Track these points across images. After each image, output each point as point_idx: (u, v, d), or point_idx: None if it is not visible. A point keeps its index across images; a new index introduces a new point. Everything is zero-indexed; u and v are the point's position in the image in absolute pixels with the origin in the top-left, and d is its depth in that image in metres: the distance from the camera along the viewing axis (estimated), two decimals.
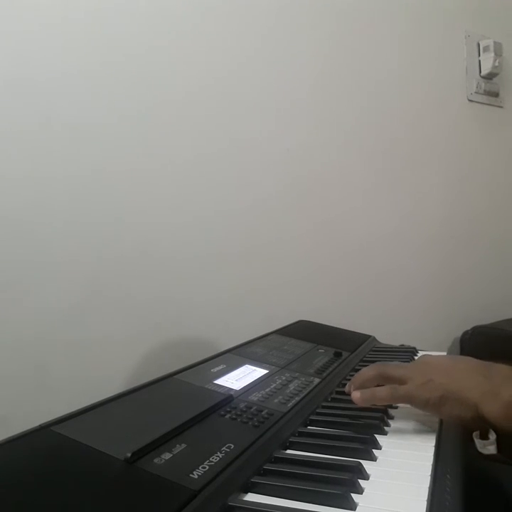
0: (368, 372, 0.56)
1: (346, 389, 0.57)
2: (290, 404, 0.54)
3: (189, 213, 0.96)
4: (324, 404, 0.58)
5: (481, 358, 0.53)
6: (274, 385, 0.60)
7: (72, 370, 0.80)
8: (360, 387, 0.55)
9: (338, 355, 0.76)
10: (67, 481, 0.36)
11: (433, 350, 0.85)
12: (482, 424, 0.46)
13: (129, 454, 0.39)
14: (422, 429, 0.51)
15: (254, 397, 0.55)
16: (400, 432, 0.51)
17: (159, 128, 0.93)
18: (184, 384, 0.57)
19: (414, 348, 0.84)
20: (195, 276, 0.96)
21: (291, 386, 0.60)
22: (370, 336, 0.91)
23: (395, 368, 0.54)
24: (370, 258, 1.26)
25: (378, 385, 0.54)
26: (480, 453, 0.47)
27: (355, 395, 0.52)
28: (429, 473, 0.42)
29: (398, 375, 0.53)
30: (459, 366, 0.51)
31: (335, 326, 0.93)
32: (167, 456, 0.40)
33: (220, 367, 0.64)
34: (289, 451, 0.46)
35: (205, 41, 0.98)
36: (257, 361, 0.68)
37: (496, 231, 1.56)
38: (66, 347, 0.80)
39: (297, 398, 0.56)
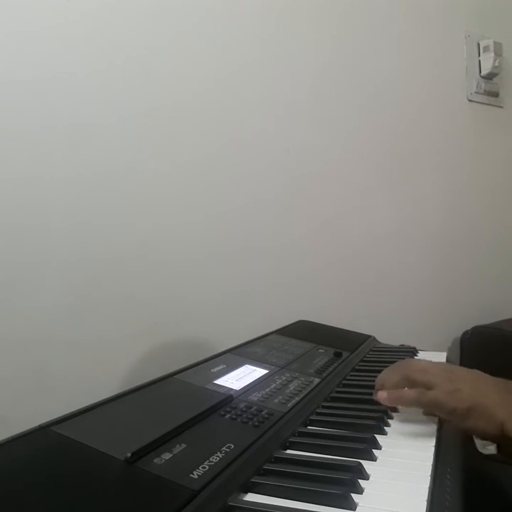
0: (392, 376, 0.55)
1: (374, 395, 0.55)
2: (290, 404, 0.54)
3: (189, 213, 0.96)
4: (324, 404, 0.58)
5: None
6: (274, 385, 0.60)
7: (71, 370, 0.80)
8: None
9: (338, 355, 0.76)
10: (67, 481, 0.36)
11: (433, 350, 0.85)
12: (505, 442, 0.46)
13: (129, 454, 0.39)
14: (422, 429, 0.51)
15: (254, 397, 0.55)
16: (399, 431, 0.51)
17: (159, 128, 0.93)
18: (184, 384, 0.57)
19: (414, 348, 0.84)
20: (194, 276, 0.96)
21: (291, 386, 0.60)
22: (370, 336, 0.91)
23: (420, 372, 0.53)
24: (370, 258, 1.26)
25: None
26: (480, 453, 0.47)
27: (382, 395, 0.52)
28: (429, 473, 0.42)
29: (425, 380, 0.51)
30: (486, 380, 0.51)
31: (335, 326, 0.93)
32: (167, 456, 0.40)
33: (220, 367, 0.64)
34: (289, 451, 0.46)
35: (205, 41, 0.98)
36: (257, 361, 0.68)
37: (495, 231, 1.56)
38: (66, 347, 0.80)
39: (297, 398, 0.56)
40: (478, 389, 0.49)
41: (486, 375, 0.53)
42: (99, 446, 0.41)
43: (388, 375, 0.56)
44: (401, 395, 0.52)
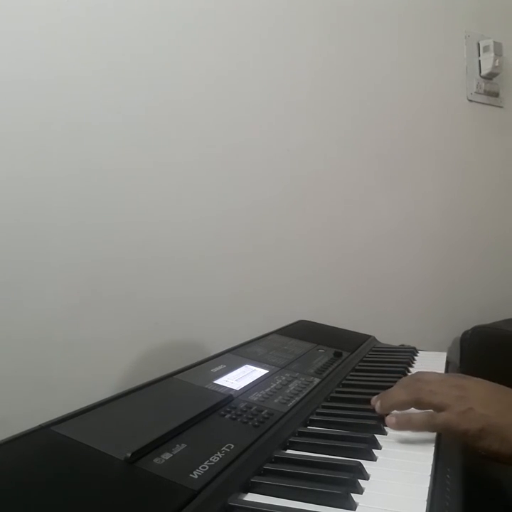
0: (401, 395, 0.53)
1: (372, 402, 0.55)
2: (290, 404, 0.54)
3: (189, 213, 0.96)
4: (324, 404, 0.58)
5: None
6: (274, 385, 0.60)
7: (71, 370, 0.80)
8: (391, 409, 0.53)
9: (338, 355, 0.76)
10: (67, 481, 0.36)
11: (433, 350, 0.85)
12: None
13: (129, 454, 0.39)
14: None
15: (254, 397, 0.55)
16: (400, 431, 0.51)
17: (160, 128, 0.93)
18: (184, 384, 0.57)
19: (414, 348, 0.84)
20: (194, 276, 0.96)
21: (291, 386, 0.60)
22: (370, 336, 0.91)
23: (431, 394, 0.51)
24: (370, 258, 1.26)
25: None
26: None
27: (391, 420, 0.50)
28: (429, 473, 0.42)
29: (435, 403, 0.50)
30: (501, 397, 0.49)
31: (335, 326, 0.93)
32: (167, 456, 0.40)
33: (220, 367, 0.64)
34: (289, 451, 0.46)
35: (205, 41, 0.98)
36: (257, 361, 0.68)
37: (495, 231, 1.56)
38: (66, 347, 0.80)
39: (297, 398, 0.56)
40: (491, 408, 0.47)
41: (502, 389, 0.51)
42: (99, 446, 0.41)
43: (396, 392, 0.54)
44: (410, 420, 0.50)
